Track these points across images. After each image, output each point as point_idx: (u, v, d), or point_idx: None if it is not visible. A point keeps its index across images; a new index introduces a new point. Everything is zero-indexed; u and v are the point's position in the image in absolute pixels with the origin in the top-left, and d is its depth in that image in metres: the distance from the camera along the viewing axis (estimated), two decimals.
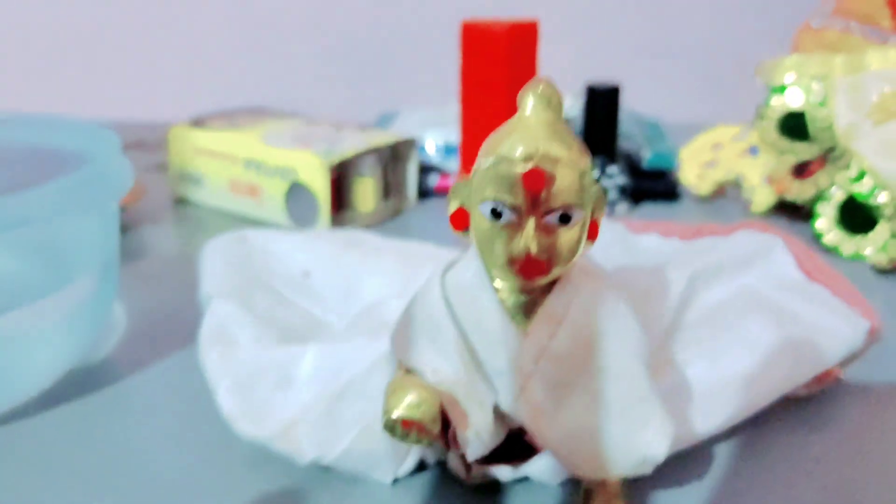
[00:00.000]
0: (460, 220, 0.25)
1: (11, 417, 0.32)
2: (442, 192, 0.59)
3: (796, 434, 0.32)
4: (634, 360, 0.25)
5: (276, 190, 0.51)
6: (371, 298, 0.34)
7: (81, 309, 0.34)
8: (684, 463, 0.29)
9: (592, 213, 0.24)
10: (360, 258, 0.36)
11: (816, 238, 0.51)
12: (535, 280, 0.24)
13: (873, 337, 0.36)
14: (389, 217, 0.55)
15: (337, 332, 0.33)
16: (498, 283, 0.25)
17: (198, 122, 0.57)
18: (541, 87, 0.24)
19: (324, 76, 1.00)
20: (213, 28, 1.03)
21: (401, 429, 0.23)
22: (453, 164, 0.60)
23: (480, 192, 0.23)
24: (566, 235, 0.23)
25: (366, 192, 0.53)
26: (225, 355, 0.30)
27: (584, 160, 0.24)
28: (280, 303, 0.34)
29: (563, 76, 0.59)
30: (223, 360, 0.30)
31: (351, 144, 0.51)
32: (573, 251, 0.24)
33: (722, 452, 0.31)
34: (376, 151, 0.53)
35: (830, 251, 0.50)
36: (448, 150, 0.60)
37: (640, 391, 0.24)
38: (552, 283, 0.25)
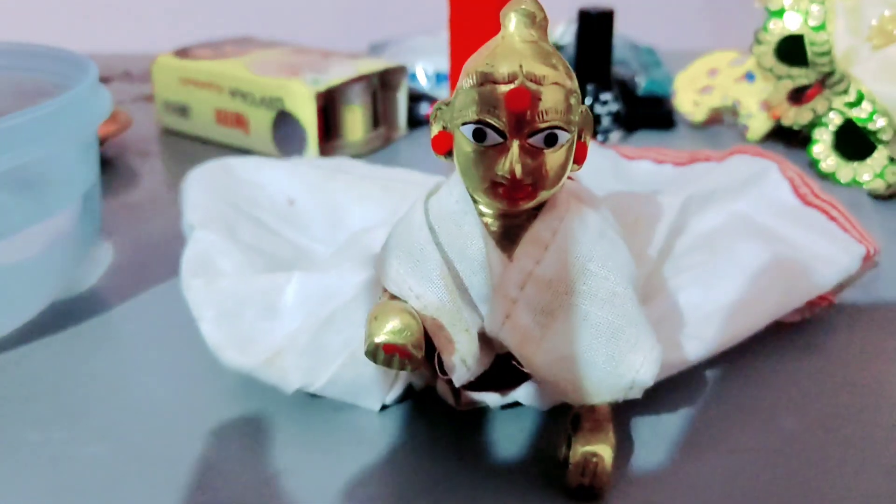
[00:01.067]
0: (443, 144, 0.24)
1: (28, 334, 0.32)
2: None
3: (784, 360, 0.32)
4: (622, 283, 0.24)
5: (262, 119, 0.51)
6: (357, 226, 0.33)
7: (63, 240, 0.34)
8: (675, 387, 0.29)
9: (580, 135, 0.24)
10: (346, 186, 0.35)
11: (813, 164, 0.50)
12: (519, 205, 0.23)
13: (869, 262, 0.36)
14: (379, 146, 0.54)
15: (322, 261, 0.32)
16: (483, 208, 0.24)
17: (183, 53, 0.55)
18: (524, 4, 0.23)
19: (313, 4, 0.97)
20: None
21: (383, 354, 0.22)
22: (444, 91, 0.59)
23: (462, 113, 0.23)
24: (552, 158, 0.23)
25: (354, 120, 0.52)
26: (209, 285, 0.30)
27: (571, 80, 0.23)
28: (264, 231, 0.34)
29: (556, 1, 0.57)
30: (207, 290, 0.30)
31: (339, 72, 0.50)
32: (559, 175, 0.23)
33: (711, 377, 0.31)
34: (365, 79, 0.52)
35: (827, 177, 0.50)
36: (439, 78, 0.59)
37: (628, 315, 0.24)
38: (538, 208, 0.24)
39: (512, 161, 0.22)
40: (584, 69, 0.52)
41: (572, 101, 0.23)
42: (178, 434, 0.28)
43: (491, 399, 0.28)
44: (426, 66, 0.59)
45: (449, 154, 0.24)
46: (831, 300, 0.34)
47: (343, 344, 0.28)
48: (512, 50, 0.22)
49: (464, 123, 0.23)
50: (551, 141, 0.22)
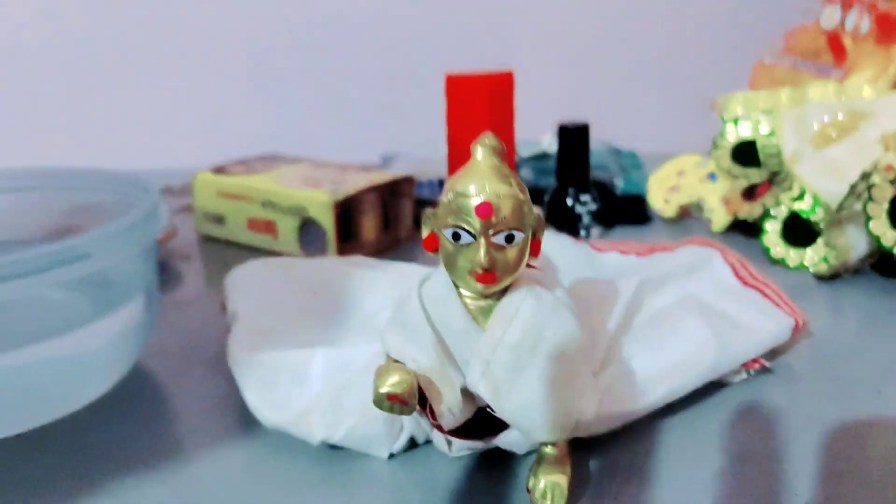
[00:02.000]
0: (431, 243, 0.32)
1: (70, 421, 0.39)
2: None
3: (722, 409, 0.39)
4: (571, 347, 0.31)
5: (289, 225, 0.59)
6: (368, 311, 0.41)
7: (128, 330, 0.41)
8: (625, 432, 0.36)
9: (534, 234, 0.31)
10: (359, 279, 0.43)
11: (766, 252, 0.57)
12: (489, 287, 0.31)
13: (798, 332, 0.43)
14: (390, 246, 0.62)
15: (339, 339, 0.40)
16: (463, 291, 0.32)
17: (219, 170, 0.64)
18: (486, 139, 0.31)
19: (331, 122, 1.09)
20: (229, 82, 1.12)
21: (386, 402, 0.29)
22: None
23: (444, 220, 0.31)
24: (511, 252, 0.30)
25: (368, 224, 0.60)
26: (251, 360, 0.37)
27: (524, 194, 0.31)
28: (294, 317, 0.41)
29: (542, 116, 0.67)
30: (250, 365, 0.37)
31: (354, 183, 0.59)
32: (517, 264, 0.31)
33: (657, 424, 0.37)
34: (377, 189, 0.60)
35: (778, 262, 0.57)
36: (441, 185, 0.67)
37: (575, 371, 0.31)
38: (505, 289, 0.32)
39: (482, 255, 0.30)
40: (566, 175, 0.60)
41: (525, 209, 0.30)
42: (225, 479, 0.35)
43: (477, 446, 0.35)
44: (430, 174, 0.68)
45: (436, 250, 0.32)
46: (763, 363, 0.41)
47: (357, 404, 0.35)
48: (479, 173, 0.30)
49: (445, 227, 0.30)
50: (510, 239, 0.30)
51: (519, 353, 0.31)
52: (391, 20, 1.13)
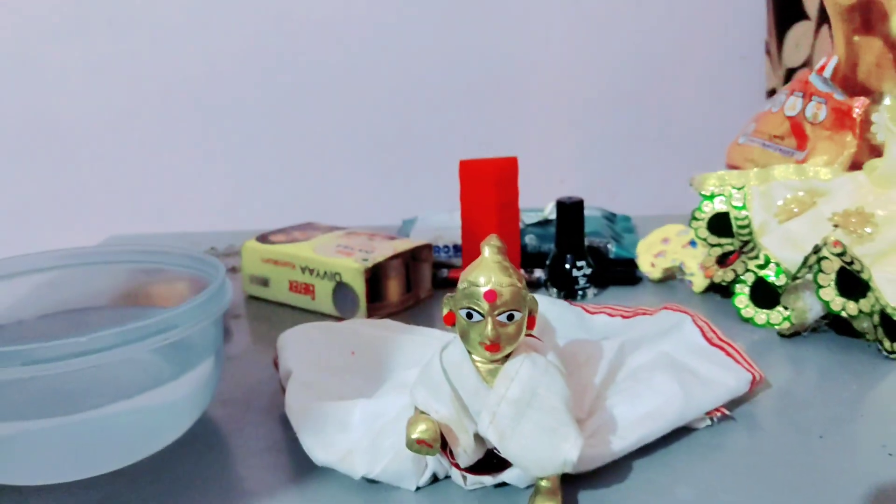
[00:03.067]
0: (450, 319, 0.41)
1: (151, 462, 0.48)
2: (454, 279, 0.75)
3: (690, 451, 0.47)
4: (559, 401, 0.40)
5: (325, 288, 0.68)
6: (397, 368, 0.50)
7: (200, 385, 0.50)
8: (606, 469, 0.44)
9: (530, 312, 0.41)
10: (391, 341, 0.52)
11: (737, 312, 0.66)
12: (495, 354, 0.40)
13: (755, 386, 0.51)
14: (412, 305, 0.71)
15: (374, 392, 0.49)
16: (475, 357, 0.41)
17: (263, 238, 0.74)
18: (492, 241, 0.40)
19: (358, 192, 1.20)
20: (270, 157, 1.24)
21: (416, 444, 0.38)
22: (459, 260, 0.76)
23: (460, 303, 0.40)
24: (512, 327, 0.39)
25: (393, 286, 0.69)
26: (304, 409, 0.46)
27: (521, 283, 0.40)
28: (336, 373, 0.50)
29: (546, 186, 0.76)
30: (303, 413, 0.46)
31: (381, 252, 0.68)
32: (517, 336, 0.40)
33: (633, 463, 0.46)
34: (401, 255, 0.69)
35: (747, 321, 0.65)
36: (457, 250, 0.77)
37: (561, 420, 0.40)
38: (507, 356, 0.41)
39: (489, 330, 0.39)
40: (564, 242, 0.69)
41: (522, 293, 0.40)
42: None
43: (487, 480, 0.43)
44: (445, 240, 0.77)
45: (454, 325, 0.41)
46: (724, 412, 0.50)
47: (391, 446, 0.44)
48: (487, 267, 0.40)
49: (460, 308, 0.40)
50: (511, 318, 0.39)
51: (518, 406, 0.40)
52: (413, 102, 1.24)
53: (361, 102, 1.25)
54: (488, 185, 0.65)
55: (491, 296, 0.39)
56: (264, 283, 0.72)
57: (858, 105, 0.67)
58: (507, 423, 0.40)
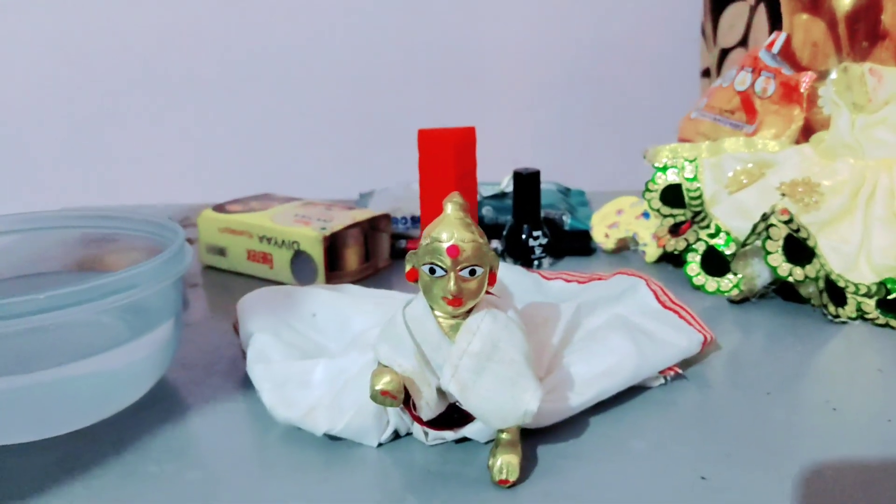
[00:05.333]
0: (412, 276, 0.42)
1: (113, 421, 0.48)
2: (412, 250, 0.76)
3: (645, 407, 0.48)
4: (518, 354, 0.41)
5: (283, 257, 0.68)
6: (358, 329, 0.50)
7: (159, 348, 0.50)
8: (564, 424, 0.45)
9: (491, 268, 0.41)
10: (350, 303, 0.52)
11: (688, 280, 0.68)
12: (457, 309, 0.40)
13: (706, 346, 0.53)
14: (370, 274, 0.72)
15: (335, 352, 0.49)
16: (437, 313, 0.41)
17: (219, 208, 0.73)
18: (455, 198, 0.41)
19: (315, 164, 1.20)
20: (224, 130, 1.22)
21: (380, 396, 0.39)
22: (417, 231, 0.77)
23: (423, 258, 0.40)
24: (474, 283, 0.40)
25: (351, 256, 0.69)
26: (266, 369, 0.46)
27: (483, 238, 0.41)
28: (297, 334, 0.51)
29: (503, 160, 0.77)
30: (265, 372, 0.46)
31: (340, 221, 0.68)
32: (478, 292, 0.41)
33: (590, 419, 0.47)
34: (359, 224, 0.69)
35: (699, 289, 0.67)
36: (415, 221, 0.77)
37: (521, 372, 0.41)
38: (469, 311, 0.41)
39: (451, 285, 0.39)
40: (520, 213, 0.70)
41: (484, 249, 0.40)
42: (244, 465, 0.44)
43: (448, 435, 0.44)
44: (403, 211, 0.78)
45: (416, 281, 0.42)
46: (677, 371, 0.51)
47: (353, 402, 0.44)
48: (450, 223, 0.40)
49: (423, 264, 0.40)
50: (473, 273, 0.40)
51: (479, 360, 0.41)
52: (370, 79, 1.24)
53: (317, 76, 1.24)
54: (447, 155, 0.65)
55: (454, 251, 0.39)
56: (221, 252, 0.72)
57: (806, 80, 0.69)
58: (469, 375, 0.40)
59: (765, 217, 0.61)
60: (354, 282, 0.70)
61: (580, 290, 0.58)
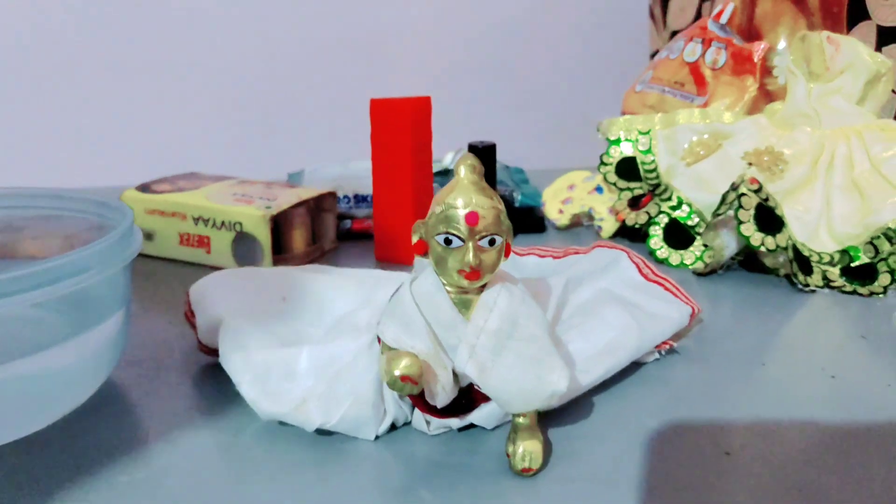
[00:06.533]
0: (421, 248, 0.37)
1: (56, 430, 0.41)
2: (359, 230, 0.71)
3: (644, 385, 0.46)
4: (540, 329, 0.38)
5: (223, 239, 0.62)
6: (340, 311, 0.46)
7: (109, 344, 0.44)
8: (575, 404, 0.42)
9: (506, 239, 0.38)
10: (328, 283, 0.47)
11: (651, 253, 0.66)
12: (474, 283, 0.37)
13: (694, 318, 0.51)
14: (317, 257, 0.67)
15: (317, 338, 0.44)
16: (447, 288, 0.37)
17: (144, 187, 0.66)
18: (469, 160, 0.37)
19: (238, 142, 1.12)
20: (141, 106, 1.12)
21: (399, 382, 0.34)
22: (361, 212, 0.72)
23: (435, 228, 0.36)
24: (492, 254, 0.36)
25: (298, 237, 0.64)
26: (244, 358, 0.41)
27: (501, 205, 0.37)
28: (272, 319, 0.45)
29: (450, 137, 0.74)
30: (244, 362, 0.41)
31: (285, 199, 0.63)
32: (496, 263, 0.37)
33: (597, 398, 0.44)
34: (305, 203, 0.64)
35: (662, 262, 0.66)
36: (358, 200, 0.72)
37: (545, 349, 0.37)
38: (483, 285, 0.38)
39: (470, 256, 0.36)
40: None
41: (502, 217, 0.37)
42: (231, 466, 0.38)
43: (453, 422, 0.40)
44: (345, 190, 0.73)
45: (424, 254, 0.37)
46: (672, 345, 0.49)
47: (349, 391, 0.40)
48: (465, 188, 0.36)
49: (437, 234, 0.36)
50: (492, 242, 0.36)
51: (498, 338, 0.37)
52: (283, 57, 1.17)
53: (229, 55, 1.16)
54: (403, 126, 0.61)
55: (473, 218, 0.36)
56: (148, 236, 0.65)
57: (759, 50, 0.68)
58: (488, 355, 0.37)
59: (734, 186, 0.59)
60: (300, 265, 0.64)
61: (557, 264, 0.56)
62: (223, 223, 0.62)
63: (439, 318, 0.37)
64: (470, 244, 0.36)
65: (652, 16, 1.17)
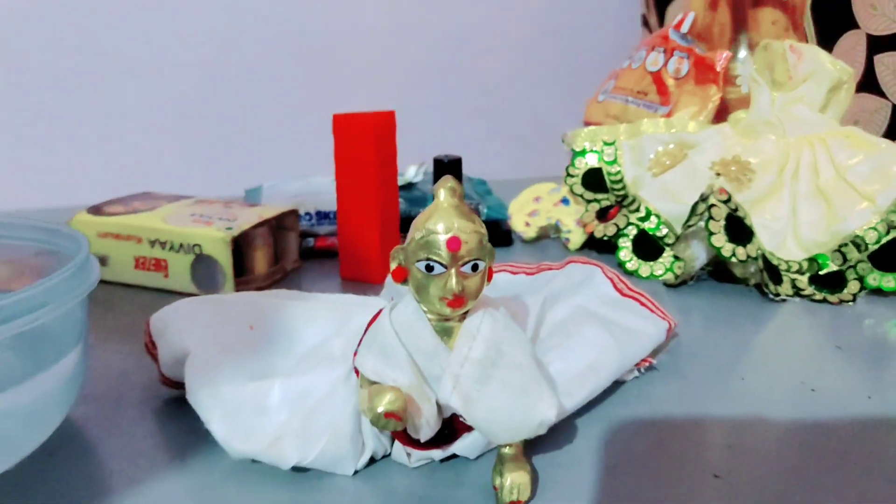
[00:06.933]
0: (400, 275, 0.36)
1: (12, 477, 0.38)
2: (322, 248, 0.69)
3: (626, 405, 0.45)
4: (525, 356, 0.36)
5: (182, 263, 0.59)
6: (313, 340, 0.44)
7: (66, 382, 0.41)
8: (558, 427, 0.41)
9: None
10: (298, 310, 0.45)
11: (621, 265, 0.65)
12: (458, 310, 0.35)
13: (671, 333, 0.50)
14: (280, 278, 0.64)
15: (289, 369, 0.42)
16: (428, 315, 0.36)
17: (96, 210, 0.63)
18: (448, 183, 0.35)
19: (192, 159, 1.08)
20: (85, 120, 1.08)
21: (383, 419, 0.33)
22: (326, 227, 0.70)
23: (415, 254, 0.35)
24: (475, 279, 0.35)
25: (260, 258, 0.62)
26: (212, 394, 0.39)
27: (483, 228, 0.35)
28: (239, 351, 0.43)
29: (410, 149, 0.72)
30: (212, 398, 0.39)
31: (246, 219, 0.60)
32: (480, 289, 0.35)
33: (581, 420, 0.43)
34: (267, 223, 0.62)
35: (631, 274, 0.65)
36: (320, 216, 0.70)
37: (532, 377, 0.36)
38: (465, 312, 0.36)
39: (453, 283, 0.34)
40: None
41: (484, 241, 0.35)
42: None
43: (436, 454, 0.39)
44: (307, 207, 0.71)
45: (404, 281, 0.36)
46: (651, 362, 0.48)
47: (325, 426, 0.38)
48: (445, 212, 0.35)
49: (417, 261, 0.34)
50: (475, 268, 0.35)
51: (483, 366, 0.36)
52: (234, 70, 1.14)
53: (181, 68, 1.12)
54: (368, 141, 0.59)
55: (454, 243, 0.34)
56: (102, 261, 0.62)
57: (721, 59, 0.68)
58: (473, 385, 0.35)
59: (704, 197, 0.59)
60: (264, 287, 0.62)
61: (530, 281, 0.54)
62: (181, 246, 0.59)
63: (421, 348, 0.36)
64: (452, 270, 0.34)
65: (645, 24, 1.16)
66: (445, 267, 0.34)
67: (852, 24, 0.75)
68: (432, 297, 0.35)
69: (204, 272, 0.59)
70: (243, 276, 0.61)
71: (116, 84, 1.10)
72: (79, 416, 0.44)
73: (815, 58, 0.62)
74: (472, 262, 0.35)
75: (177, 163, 1.09)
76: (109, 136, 1.10)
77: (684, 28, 0.71)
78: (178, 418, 0.43)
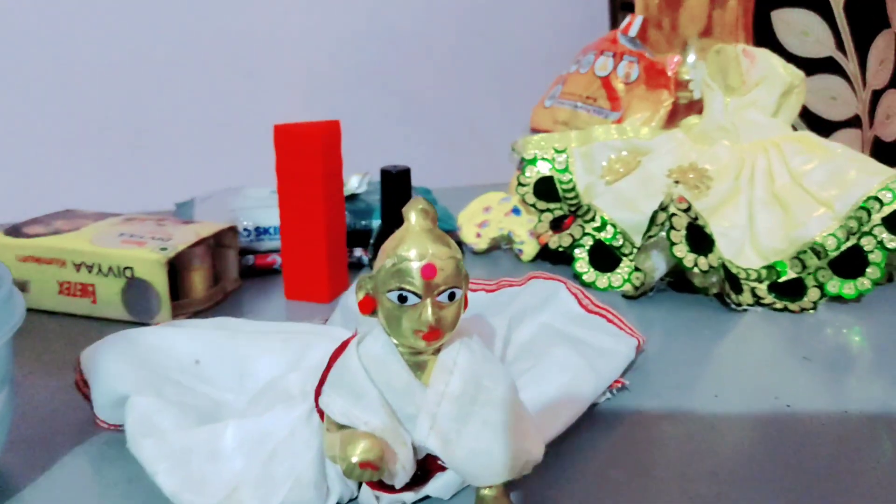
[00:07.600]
0: (368, 306, 0.33)
1: None
2: (262, 266, 0.65)
3: (599, 428, 0.43)
4: (507, 391, 0.33)
5: (111, 287, 0.55)
6: (265, 375, 0.40)
7: None
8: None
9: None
10: (248, 342, 0.41)
11: (577, 277, 0.63)
12: (433, 344, 0.32)
13: (639, 350, 0.49)
14: (221, 299, 0.60)
15: (241, 408, 0.39)
16: (401, 349, 0.33)
17: (14, 231, 0.58)
18: (419, 204, 0.32)
19: (114, 170, 1.02)
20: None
21: (359, 470, 0.30)
22: (265, 244, 0.66)
23: (386, 283, 0.31)
24: (452, 309, 0.32)
25: (198, 279, 0.57)
26: (158, 442, 0.35)
27: (458, 253, 0.32)
28: (184, 389, 0.39)
29: (354, 160, 0.68)
30: (157, 447, 0.35)
31: (182, 238, 0.56)
32: (457, 320, 0.33)
33: (557, 451, 0.41)
34: (204, 241, 0.58)
35: (589, 286, 0.63)
36: (259, 232, 0.66)
37: (515, 413, 0.33)
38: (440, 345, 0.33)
39: (429, 314, 0.31)
40: (389, 216, 0.62)
41: (461, 267, 0.32)
42: None
43: (408, 497, 0.35)
44: (246, 221, 0.66)
45: (372, 313, 0.33)
46: (624, 383, 0.46)
47: (288, 472, 0.34)
48: (418, 237, 0.32)
49: (389, 291, 0.31)
50: (451, 297, 0.32)
51: (462, 403, 0.33)
52: (169, 64, 1.08)
53: (104, 71, 1.05)
54: (313, 153, 0.56)
55: (429, 271, 0.31)
56: (22, 287, 0.57)
57: (672, 63, 0.67)
58: (451, 424, 0.32)
59: (663, 207, 0.57)
60: (203, 310, 0.58)
61: (490, 298, 0.52)
62: (110, 269, 0.54)
63: (393, 385, 0.32)
64: (427, 301, 0.31)
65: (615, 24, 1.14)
66: (420, 297, 0.31)
67: (886, 23, 0.74)
68: (405, 330, 0.32)
69: (137, 297, 0.55)
70: (180, 300, 0.57)
71: (28, 90, 1.03)
72: (7, 464, 0.40)
73: (768, 62, 0.62)
74: (448, 291, 0.32)
75: (98, 176, 1.03)
76: (22, 147, 1.02)
77: (632, 32, 0.70)
78: (117, 464, 0.39)
